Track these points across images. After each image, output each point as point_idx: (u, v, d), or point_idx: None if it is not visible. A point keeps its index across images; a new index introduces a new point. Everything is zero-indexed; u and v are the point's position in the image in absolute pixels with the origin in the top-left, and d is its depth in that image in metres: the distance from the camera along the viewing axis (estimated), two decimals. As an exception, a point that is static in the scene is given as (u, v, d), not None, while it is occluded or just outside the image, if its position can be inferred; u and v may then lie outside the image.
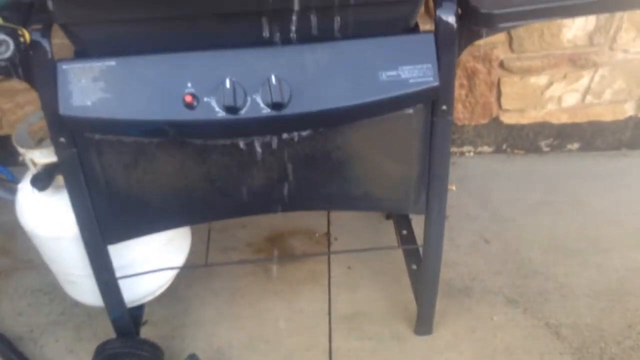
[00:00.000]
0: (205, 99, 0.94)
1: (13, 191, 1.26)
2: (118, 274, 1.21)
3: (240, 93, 0.93)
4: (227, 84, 0.93)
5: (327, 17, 0.92)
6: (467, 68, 1.75)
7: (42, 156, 1.12)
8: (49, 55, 0.92)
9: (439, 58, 0.96)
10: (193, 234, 1.44)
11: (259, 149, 1.04)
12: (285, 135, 1.03)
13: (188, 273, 1.53)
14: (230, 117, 0.94)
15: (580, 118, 1.88)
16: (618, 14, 1.66)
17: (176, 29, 0.93)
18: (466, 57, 1.72)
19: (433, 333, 1.45)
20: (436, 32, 0.96)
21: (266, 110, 0.95)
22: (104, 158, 1.04)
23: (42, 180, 1.12)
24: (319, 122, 1.01)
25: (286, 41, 0.94)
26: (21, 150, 1.14)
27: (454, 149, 1.96)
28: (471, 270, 1.59)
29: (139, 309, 1.39)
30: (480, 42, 1.02)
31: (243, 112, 0.94)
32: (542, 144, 1.95)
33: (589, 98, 1.84)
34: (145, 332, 1.44)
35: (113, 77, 0.93)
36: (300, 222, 1.73)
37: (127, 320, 1.30)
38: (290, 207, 1.15)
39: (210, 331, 1.48)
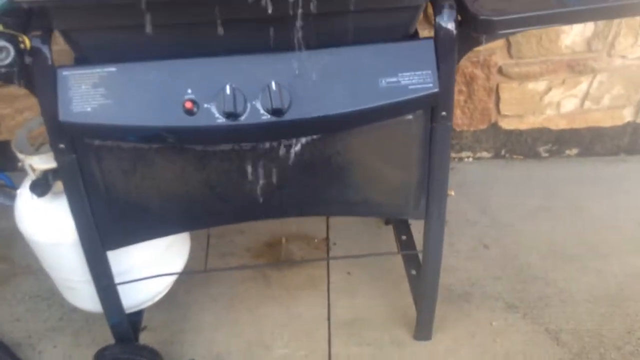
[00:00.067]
0: (206, 105, 0.94)
1: (12, 197, 1.26)
2: (117, 279, 1.21)
3: (240, 99, 0.93)
4: (227, 90, 0.93)
5: (327, 23, 0.93)
6: (465, 74, 1.75)
7: (41, 162, 1.12)
8: (49, 62, 0.92)
9: (438, 64, 0.97)
10: (192, 240, 1.43)
11: (258, 155, 1.04)
12: (285, 142, 1.03)
13: (187, 279, 1.53)
14: (230, 123, 0.94)
15: (578, 124, 1.89)
16: (616, 20, 1.66)
17: (176, 35, 0.93)
18: (465, 63, 1.73)
19: (432, 338, 1.45)
20: (436, 39, 0.96)
21: (266, 117, 0.95)
22: (104, 164, 1.04)
23: (41, 186, 1.12)
24: (319, 128, 1.02)
25: (286, 48, 0.94)
26: (20, 156, 1.14)
27: (452, 155, 1.96)
28: (470, 276, 1.59)
29: (137, 315, 1.39)
30: (479, 48, 1.02)
31: (243, 119, 0.95)
32: (541, 149, 1.96)
33: (587, 104, 1.84)
34: (144, 338, 1.44)
35: (113, 84, 0.93)
36: (299, 228, 1.72)
37: (126, 326, 1.30)
38: (289, 213, 1.15)
39: (209, 337, 1.47)
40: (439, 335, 1.45)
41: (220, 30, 0.92)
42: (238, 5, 0.88)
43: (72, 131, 0.97)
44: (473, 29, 0.96)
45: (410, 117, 1.03)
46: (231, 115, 0.94)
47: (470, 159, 1.98)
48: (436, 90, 0.97)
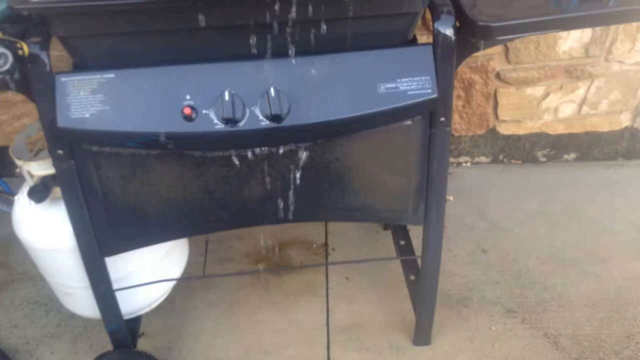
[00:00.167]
0: (204, 111, 0.94)
1: (10, 203, 1.26)
2: (115, 285, 1.21)
3: (239, 105, 0.93)
4: (226, 96, 0.93)
5: (325, 29, 0.93)
6: (463, 79, 1.75)
7: (39, 168, 1.12)
8: (48, 68, 0.92)
9: (437, 70, 0.97)
10: (190, 245, 1.43)
11: (257, 161, 1.04)
12: (283, 147, 1.03)
13: (185, 284, 1.53)
14: (229, 129, 0.94)
15: (576, 128, 1.90)
16: (613, 26, 1.67)
17: (175, 41, 0.93)
18: (463, 68, 1.73)
19: (431, 344, 1.44)
20: (434, 45, 0.97)
21: (265, 123, 0.95)
22: (102, 170, 1.04)
23: (39, 192, 1.11)
24: (318, 134, 1.02)
25: (285, 53, 0.94)
26: (18, 162, 1.13)
27: (451, 160, 1.96)
28: (469, 281, 1.59)
29: (135, 321, 1.39)
30: (477, 53, 1.02)
31: (242, 124, 0.95)
32: (539, 154, 1.96)
33: (585, 109, 1.85)
34: (142, 344, 1.43)
35: (112, 90, 0.93)
36: (297, 233, 1.72)
37: (124, 332, 1.29)
38: (288, 219, 1.15)
39: (208, 343, 1.47)
40: (438, 340, 1.45)
41: (219, 36, 0.92)
42: (236, 11, 0.89)
43: (71, 137, 0.97)
44: (471, 35, 0.96)
45: (409, 122, 1.04)
46: (230, 121, 0.94)
47: (469, 164, 1.98)
48: (435, 95, 0.97)
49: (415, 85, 0.96)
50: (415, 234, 1.52)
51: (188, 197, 1.10)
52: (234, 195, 1.10)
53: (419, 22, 1.02)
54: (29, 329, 1.51)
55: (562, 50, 1.71)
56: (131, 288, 1.25)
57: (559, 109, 1.84)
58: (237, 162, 1.04)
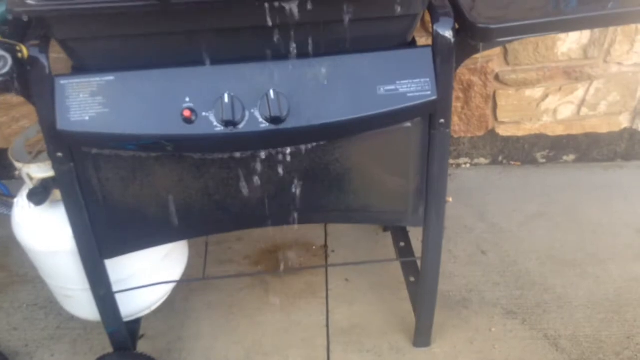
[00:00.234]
0: (204, 114, 0.94)
1: (9, 205, 1.26)
2: (115, 288, 1.20)
3: (238, 107, 0.93)
4: (226, 98, 0.93)
5: (325, 32, 0.93)
6: (462, 81, 1.76)
7: (38, 171, 1.12)
8: (47, 71, 0.92)
9: (436, 72, 0.97)
10: (190, 247, 1.43)
11: (257, 163, 1.04)
12: (283, 150, 1.03)
13: (185, 286, 1.53)
14: (229, 131, 0.94)
15: (575, 130, 1.90)
16: (612, 28, 1.67)
17: (175, 44, 0.93)
18: (462, 70, 1.73)
19: (431, 345, 1.44)
20: (434, 47, 0.97)
21: (264, 125, 0.95)
22: (102, 172, 1.04)
23: (39, 195, 1.11)
24: (318, 136, 1.02)
25: (285, 56, 0.94)
26: (18, 164, 1.13)
27: (450, 161, 1.96)
28: (469, 282, 1.59)
29: (135, 323, 1.39)
30: (476, 55, 1.02)
31: (241, 127, 0.95)
32: (538, 155, 1.96)
33: (584, 110, 1.85)
34: (142, 346, 1.43)
35: (111, 92, 0.93)
36: (297, 235, 1.72)
37: (124, 334, 1.29)
38: (288, 221, 1.15)
39: (208, 345, 1.47)
40: (438, 342, 1.45)
41: (219, 39, 0.92)
42: (236, 14, 0.89)
43: (70, 140, 0.97)
44: (471, 37, 0.96)
45: (408, 124, 1.04)
46: (230, 124, 0.94)
47: (468, 166, 1.98)
48: (434, 97, 0.97)
49: (414, 87, 0.97)
50: (415, 235, 1.52)
51: (188, 200, 1.10)
52: (234, 198, 1.10)
53: (418, 24, 1.02)
54: (29, 331, 1.51)
55: (561, 51, 1.71)
56: (131, 290, 1.25)
57: (558, 110, 1.84)
58: (236, 165, 1.04)
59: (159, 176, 1.06)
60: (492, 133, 1.90)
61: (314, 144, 1.03)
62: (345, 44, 0.96)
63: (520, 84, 1.78)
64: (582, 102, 1.83)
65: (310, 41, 0.93)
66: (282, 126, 0.95)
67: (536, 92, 1.80)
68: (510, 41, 1.01)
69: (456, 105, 1.80)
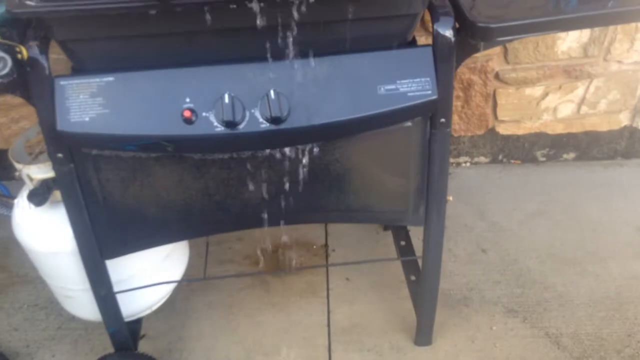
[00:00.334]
0: (204, 114, 0.94)
1: (9, 206, 1.25)
2: (116, 288, 1.20)
3: (239, 108, 0.93)
4: (226, 98, 0.93)
5: (325, 32, 0.93)
6: (462, 80, 1.75)
7: (39, 171, 1.12)
8: (47, 72, 0.91)
9: (437, 71, 0.97)
10: (191, 247, 1.43)
11: (257, 163, 1.04)
12: (284, 150, 1.03)
13: (186, 286, 1.53)
14: (229, 132, 0.94)
15: (575, 128, 1.90)
16: (612, 26, 1.67)
17: (174, 44, 0.93)
18: (462, 69, 1.73)
19: (432, 344, 1.44)
20: (434, 46, 0.97)
21: (265, 125, 0.95)
22: (102, 173, 1.04)
23: (39, 196, 1.11)
24: (318, 136, 1.02)
25: (285, 56, 0.94)
26: (18, 165, 1.13)
27: (450, 160, 1.96)
28: (469, 281, 1.59)
29: (136, 323, 1.39)
30: (476, 54, 1.02)
31: (242, 127, 0.94)
32: (538, 154, 1.96)
33: (584, 108, 1.85)
34: (143, 346, 1.43)
35: (111, 93, 0.93)
36: (297, 234, 1.72)
37: (125, 335, 1.29)
38: (288, 221, 1.15)
39: (208, 345, 1.47)
40: (439, 341, 1.45)
41: (219, 39, 0.92)
42: (236, 14, 0.89)
43: (70, 141, 0.97)
44: (471, 36, 0.96)
45: (409, 124, 1.04)
46: (230, 124, 0.94)
47: (468, 164, 1.98)
48: (435, 97, 0.97)
49: (415, 87, 0.96)
50: (416, 234, 1.52)
51: (188, 200, 1.10)
52: (234, 198, 1.10)
53: (418, 23, 1.02)
54: (30, 332, 1.51)
55: (560, 50, 1.71)
56: (132, 290, 1.25)
57: (558, 108, 1.84)
58: (237, 165, 1.04)
59: (159, 177, 1.06)
60: (492, 132, 1.90)
61: (315, 143, 1.03)
62: (346, 43, 0.95)
63: (520, 83, 1.78)
64: (582, 101, 1.83)
65: (310, 41, 0.93)
66: (282, 126, 0.95)
67: (536, 91, 1.80)
68: (511, 40, 1.01)
69: (456, 104, 1.80)
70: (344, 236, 1.72)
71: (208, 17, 0.87)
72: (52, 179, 1.10)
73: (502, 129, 1.90)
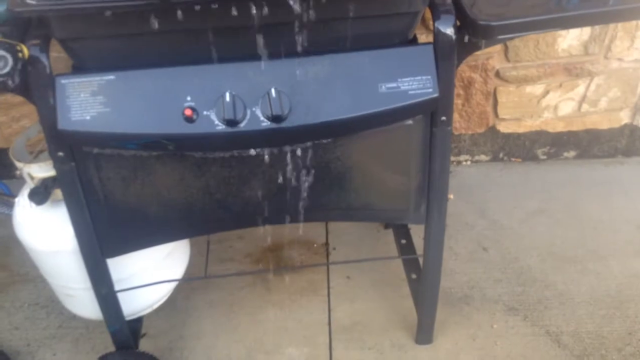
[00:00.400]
0: (205, 113, 0.94)
1: (10, 205, 1.25)
2: (117, 287, 1.21)
3: (240, 106, 0.93)
4: (227, 97, 0.93)
5: (326, 30, 0.93)
6: (463, 78, 1.75)
7: (39, 170, 1.12)
8: (48, 70, 0.91)
9: (438, 69, 0.97)
10: (192, 246, 1.43)
11: (258, 162, 1.04)
12: (285, 148, 1.03)
13: (187, 285, 1.53)
14: (230, 130, 0.94)
15: (576, 126, 1.90)
16: (613, 24, 1.67)
17: (175, 43, 0.93)
18: (462, 67, 1.73)
19: (433, 342, 1.45)
20: (435, 44, 0.97)
21: (266, 123, 0.95)
22: (103, 172, 1.04)
23: (40, 194, 1.11)
24: (319, 134, 1.02)
25: (286, 54, 0.94)
26: (19, 164, 1.13)
27: (451, 158, 1.95)
28: (470, 279, 1.60)
29: (137, 322, 1.39)
30: (477, 52, 1.02)
31: (243, 125, 0.94)
32: (539, 152, 1.96)
33: (584, 106, 1.85)
34: (143, 345, 1.43)
35: (112, 91, 0.93)
36: (298, 233, 1.72)
37: (126, 333, 1.29)
38: (289, 219, 1.15)
39: (209, 343, 1.47)
40: (440, 339, 1.45)
41: (220, 38, 0.92)
42: (237, 12, 0.88)
43: (71, 139, 0.97)
44: (472, 34, 0.96)
45: (410, 122, 1.04)
46: (231, 122, 0.94)
47: (469, 163, 1.98)
48: (436, 95, 0.97)
49: (416, 85, 0.96)
50: (417, 232, 1.52)
51: (189, 198, 1.10)
52: (235, 196, 1.10)
53: (419, 21, 1.02)
54: (30, 330, 1.51)
55: (561, 48, 1.71)
56: (133, 289, 1.25)
57: (558, 106, 1.84)
58: (238, 163, 1.04)
59: (160, 175, 1.06)
60: (492, 130, 1.90)
61: (316, 142, 1.03)
62: (346, 41, 0.95)
63: (521, 81, 1.77)
64: (583, 99, 1.83)
65: (311, 39, 0.93)
66: (283, 125, 0.95)
67: (537, 89, 1.80)
68: (512, 38, 1.01)
69: (457, 102, 1.80)
70: (345, 234, 1.72)
71: (208, 15, 0.86)
72: (53, 178, 1.10)
73: (503, 127, 1.89)
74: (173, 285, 1.37)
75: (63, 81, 0.93)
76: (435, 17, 0.96)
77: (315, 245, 1.70)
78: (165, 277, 1.31)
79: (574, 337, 1.45)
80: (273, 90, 0.93)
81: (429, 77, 0.96)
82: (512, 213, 1.78)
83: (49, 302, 1.55)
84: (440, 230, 1.21)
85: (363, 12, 0.91)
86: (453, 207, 1.77)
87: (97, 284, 1.18)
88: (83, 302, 1.28)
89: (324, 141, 1.04)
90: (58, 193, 1.12)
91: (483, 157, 1.97)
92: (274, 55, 0.94)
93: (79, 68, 0.96)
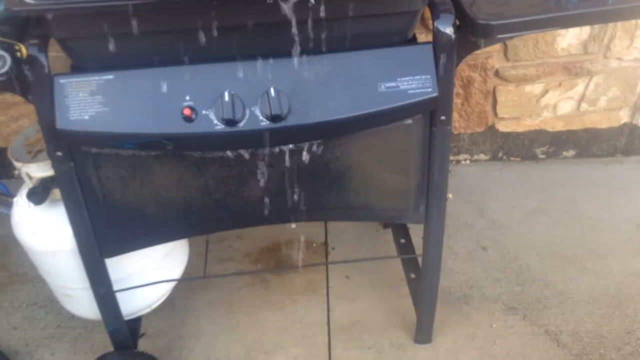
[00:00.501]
0: (204, 112, 0.93)
1: (8, 205, 1.25)
2: (115, 286, 1.20)
3: (239, 106, 0.93)
4: (226, 96, 0.93)
5: (325, 29, 0.92)
6: (462, 77, 1.75)
7: (38, 170, 1.11)
8: (46, 70, 0.91)
9: (437, 69, 0.97)
10: (190, 245, 1.43)
11: (257, 161, 1.04)
12: (284, 147, 1.02)
13: (185, 284, 1.53)
14: (229, 129, 0.94)
15: (575, 125, 1.90)
16: (612, 23, 1.67)
17: (174, 42, 0.93)
18: (461, 66, 1.73)
19: (432, 341, 1.45)
20: (434, 43, 0.96)
21: (265, 123, 0.94)
22: (101, 171, 1.03)
23: (39, 194, 1.11)
24: (318, 134, 1.01)
25: (285, 54, 0.93)
26: (17, 164, 1.13)
27: (450, 158, 1.96)
28: (469, 278, 1.60)
29: (136, 321, 1.39)
30: (476, 51, 1.02)
31: (242, 125, 0.94)
32: (538, 151, 1.96)
33: (584, 105, 1.85)
34: (142, 345, 1.43)
35: (111, 91, 0.93)
36: (297, 232, 1.72)
37: (124, 333, 1.29)
38: (288, 219, 1.15)
39: (208, 343, 1.47)
40: (439, 338, 1.45)
41: (219, 37, 0.91)
42: (236, 11, 0.88)
43: (70, 139, 0.96)
44: (471, 33, 0.96)
45: (409, 121, 1.03)
46: (230, 122, 0.93)
47: (468, 162, 1.98)
48: (435, 94, 0.97)
49: (415, 84, 0.96)
50: (416, 232, 1.52)
51: (188, 198, 1.09)
52: (234, 196, 1.10)
53: (419, 20, 1.01)
54: (29, 330, 1.51)
55: (560, 47, 1.71)
56: (132, 289, 1.25)
57: (557, 106, 1.84)
58: (236, 163, 1.04)
59: (159, 175, 1.06)
60: (491, 129, 1.90)
61: (315, 141, 1.03)
62: (346, 41, 0.95)
63: (520, 80, 1.77)
64: (582, 98, 1.83)
65: (310, 39, 0.93)
66: (282, 124, 0.95)
67: (536, 88, 1.80)
68: (511, 37, 1.01)
69: (456, 101, 1.80)
70: (344, 234, 1.72)
71: (207, 15, 0.86)
72: (52, 178, 1.09)
73: (502, 127, 1.89)
74: (172, 285, 1.37)
75: (62, 81, 0.93)
76: (435, 17, 0.95)
77: (314, 244, 1.70)
78: (164, 277, 1.31)
79: (573, 336, 1.45)
80: (272, 90, 0.93)
81: (429, 76, 0.96)
82: (511, 212, 1.78)
83: (47, 302, 1.55)
84: (439, 229, 1.21)
85: (362, 11, 0.91)
86: (452, 206, 1.77)
87: (96, 284, 1.18)
88: (82, 302, 1.28)
89: (323, 141, 1.04)
90: (56, 193, 1.11)
91: (482, 157, 1.97)
92: (273, 54, 0.94)
93: (78, 68, 0.96)
